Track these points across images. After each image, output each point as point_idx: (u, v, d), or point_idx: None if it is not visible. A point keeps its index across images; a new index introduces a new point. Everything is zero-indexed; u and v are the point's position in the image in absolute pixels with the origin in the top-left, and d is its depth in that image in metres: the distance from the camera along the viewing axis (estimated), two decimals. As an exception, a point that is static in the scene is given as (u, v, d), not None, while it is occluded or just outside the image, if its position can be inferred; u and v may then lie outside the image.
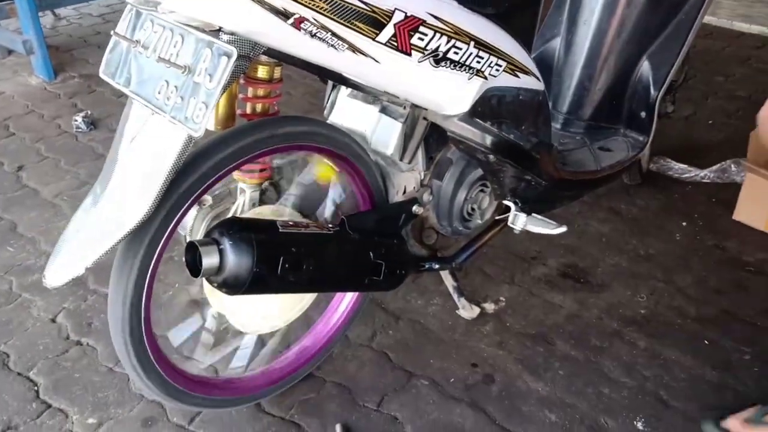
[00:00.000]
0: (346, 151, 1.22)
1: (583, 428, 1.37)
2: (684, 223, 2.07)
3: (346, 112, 1.31)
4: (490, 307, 1.68)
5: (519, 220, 1.39)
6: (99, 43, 3.25)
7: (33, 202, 2.05)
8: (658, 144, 2.30)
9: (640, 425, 1.39)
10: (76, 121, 2.46)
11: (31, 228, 1.93)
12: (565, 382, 1.48)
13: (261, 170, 1.22)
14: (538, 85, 1.35)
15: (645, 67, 1.81)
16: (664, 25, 1.77)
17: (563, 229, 1.38)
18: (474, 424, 1.37)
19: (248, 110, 1.18)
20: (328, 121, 1.31)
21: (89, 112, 2.53)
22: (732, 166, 2.24)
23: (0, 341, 1.55)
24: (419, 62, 1.07)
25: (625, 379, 1.50)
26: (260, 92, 1.17)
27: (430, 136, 1.31)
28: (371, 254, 1.20)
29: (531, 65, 1.31)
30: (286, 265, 1.04)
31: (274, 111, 1.20)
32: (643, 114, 1.82)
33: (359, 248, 1.19)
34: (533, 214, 1.40)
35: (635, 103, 1.83)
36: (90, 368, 1.48)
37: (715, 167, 2.28)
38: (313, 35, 0.94)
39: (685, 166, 2.31)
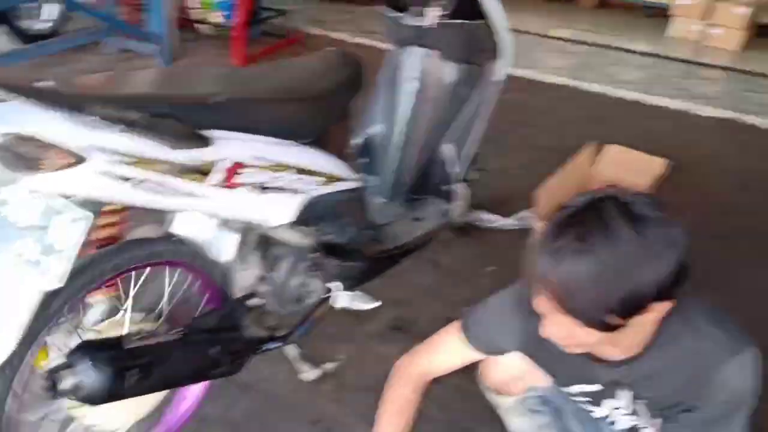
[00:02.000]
0: (191, 260, 1.44)
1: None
2: (492, 268, 2.47)
3: (188, 224, 1.52)
4: (330, 366, 1.95)
5: (341, 299, 1.69)
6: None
7: None
8: (474, 197, 2.70)
9: (452, 456, 1.72)
10: None
11: None
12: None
13: (109, 285, 1.40)
14: (353, 185, 1.65)
15: (447, 148, 2.19)
16: (456, 114, 2.16)
17: (378, 303, 1.69)
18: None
19: (101, 236, 1.37)
20: (170, 232, 1.52)
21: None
22: (528, 214, 2.70)
23: None
24: (247, 193, 1.32)
25: (440, 415, 1.83)
26: (111, 220, 1.36)
27: (262, 237, 1.57)
28: (214, 349, 1.43)
29: (345, 172, 1.60)
30: (137, 375, 1.25)
31: (123, 236, 1.40)
32: (447, 188, 2.20)
33: (202, 346, 1.41)
34: (355, 292, 1.70)
35: (441, 179, 2.21)
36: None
37: (516, 216, 2.73)
38: (154, 190, 1.16)
39: (495, 216, 2.74)
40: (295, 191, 1.42)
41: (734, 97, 4.26)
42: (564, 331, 1.03)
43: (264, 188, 1.35)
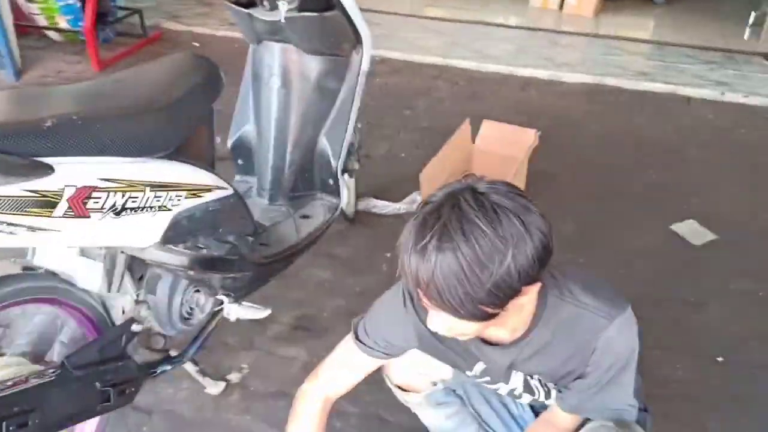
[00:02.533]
0: (58, 294, 1.34)
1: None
2: (388, 254, 2.50)
3: (49, 256, 1.42)
4: (234, 377, 1.90)
5: (232, 312, 1.63)
6: None
7: None
8: (363, 184, 2.71)
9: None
10: None
11: None
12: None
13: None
14: (224, 192, 1.58)
15: (324, 142, 2.17)
16: (329, 108, 2.14)
17: (268, 312, 1.66)
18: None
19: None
20: (30, 265, 1.40)
21: None
22: (417, 197, 2.75)
23: None
24: (100, 219, 1.24)
25: (353, 409, 1.83)
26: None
27: (133, 260, 1.48)
28: (98, 384, 1.34)
29: (212, 181, 1.53)
30: (11, 427, 1.15)
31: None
32: (331, 181, 2.19)
33: (84, 383, 1.33)
34: (244, 303, 1.65)
35: (323, 173, 2.19)
36: None
37: (406, 199, 2.76)
38: (-8, 231, 1.07)
39: (385, 202, 2.76)
40: (155, 209, 1.35)
41: (596, 61, 4.52)
42: (446, 323, 1.05)
43: (120, 211, 1.27)
